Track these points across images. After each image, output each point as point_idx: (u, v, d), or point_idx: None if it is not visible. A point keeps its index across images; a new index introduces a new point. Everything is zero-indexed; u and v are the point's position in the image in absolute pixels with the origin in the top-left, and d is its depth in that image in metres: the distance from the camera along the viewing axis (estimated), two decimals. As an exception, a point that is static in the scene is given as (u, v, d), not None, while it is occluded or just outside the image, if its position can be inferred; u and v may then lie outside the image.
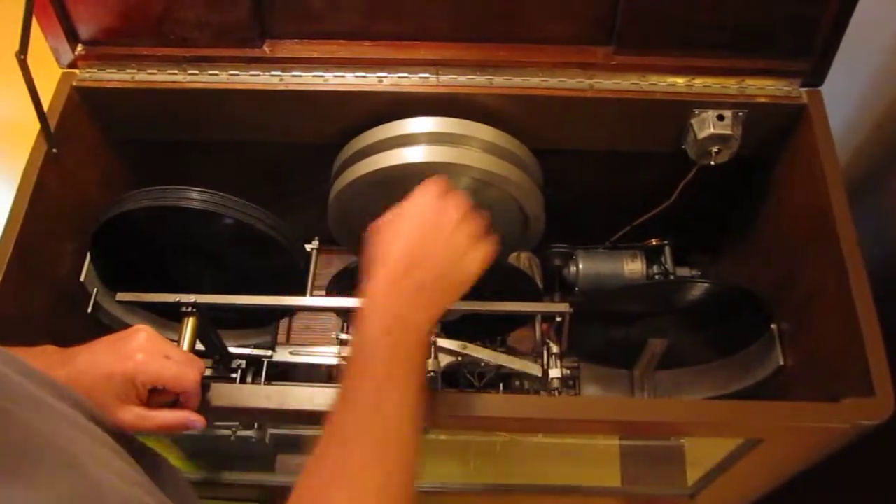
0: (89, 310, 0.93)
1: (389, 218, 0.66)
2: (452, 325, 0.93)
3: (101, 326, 0.96)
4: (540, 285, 1.00)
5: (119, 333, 0.71)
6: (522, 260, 0.99)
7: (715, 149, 0.93)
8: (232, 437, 1.01)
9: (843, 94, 1.01)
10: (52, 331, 0.89)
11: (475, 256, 0.66)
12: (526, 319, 0.99)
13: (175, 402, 0.72)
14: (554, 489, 1.11)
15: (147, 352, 0.68)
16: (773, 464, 0.89)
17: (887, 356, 0.75)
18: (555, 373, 0.91)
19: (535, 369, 0.91)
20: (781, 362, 0.94)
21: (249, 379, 1.03)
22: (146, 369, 0.67)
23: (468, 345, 0.91)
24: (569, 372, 0.94)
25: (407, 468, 0.60)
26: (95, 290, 0.94)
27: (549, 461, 1.11)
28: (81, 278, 0.93)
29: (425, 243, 0.64)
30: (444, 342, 0.90)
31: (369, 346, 0.60)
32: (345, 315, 1.01)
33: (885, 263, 0.99)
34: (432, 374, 0.89)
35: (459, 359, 0.92)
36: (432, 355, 0.89)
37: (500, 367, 0.93)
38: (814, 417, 0.75)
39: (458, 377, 0.99)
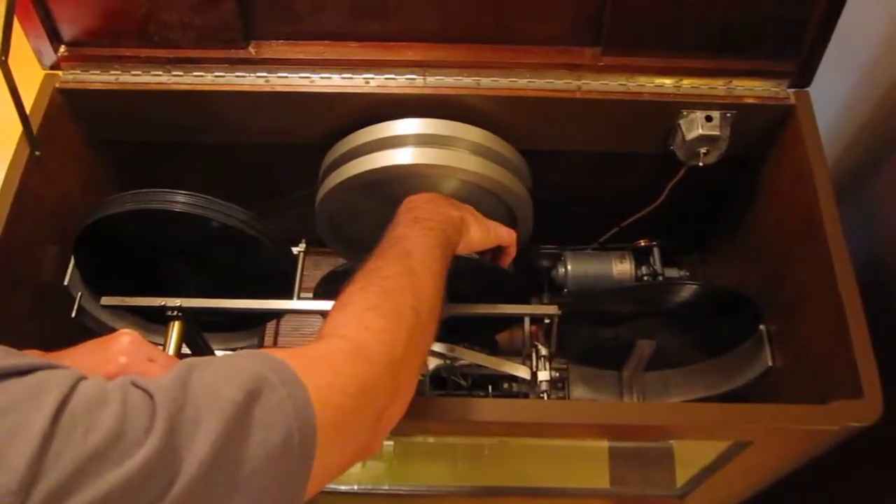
0: (73, 314, 0.92)
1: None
2: (440, 328, 0.92)
3: (85, 331, 0.95)
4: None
5: (103, 337, 0.70)
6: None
7: (703, 149, 0.93)
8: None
9: (831, 95, 1.01)
10: (35, 335, 0.88)
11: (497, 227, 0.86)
12: (514, 323, 0.99)
13: None
14: (543, 491, 1.11)
15: (130, 355, 0.67)
16: (762, 465, 0.89)
17: (876, 357, 0.75)
18: (543, 375, 0.90)
19: (523, 372, 0.91)
20: (770, 363, 0.94)
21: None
22: (129, 373, 0.67)
23: (456, 347, 0.90)
24: (557, 374, 0.94)
25: (435, 300, 0.69)
26: (80, 294, 0.93)
27: (538, 463, 1.11)
28: (65, 282, 0.92)
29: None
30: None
31: (405, 230, 0.75)
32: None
33: (874, 264, 0.99)
34: (420, 376, 0.89)
35: (448, 361, 0.91)
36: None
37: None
38: (803, 420, 0.75)
39: (446, 379, 0.99)
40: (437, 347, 0.90)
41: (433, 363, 0.91)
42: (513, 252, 0.91)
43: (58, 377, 0.41)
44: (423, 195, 0.85)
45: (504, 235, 0.88)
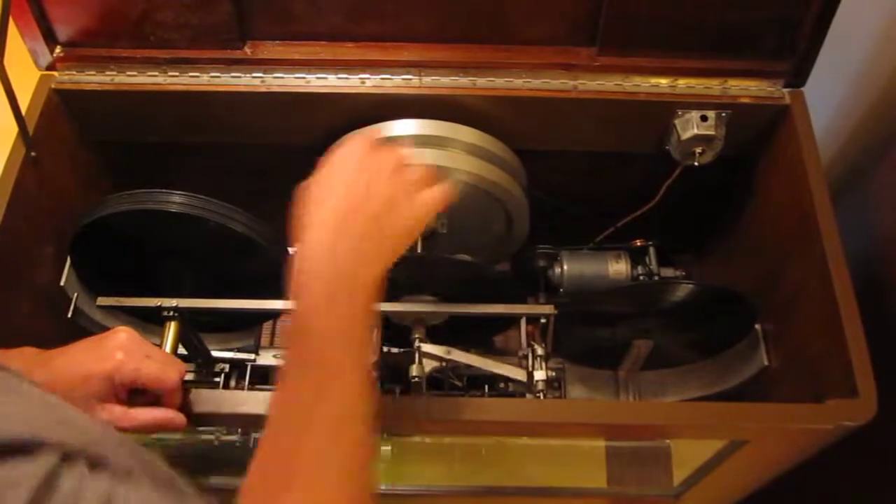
0: (70, 315, 0.92)
1: (317, 176, 0.59)
2: (436, 330, 0.93)
3: (81, 331, 0.94)
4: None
5: (99, 335, 0.70)
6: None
7: (698, 149, 0.93)
8: (216, 442, 1.00)
9: (826, 95, 1.01)
10: (31, 335, 0.88)
11: (422, 199, 0.59)
12: (511, 324, 0.99)
13: (156, 402, 0.71)
14: (539, 491, 1.11)
15: (127, 351, 0.67)
16: (757, 464, 0.89)
17: (871, 356, 0.76)
18: (540, 375, 0.90)
19: (520, 374, 0.91)
20: (766, 363, 0.94)
21: (233, 382, 1.02)
22: (125, 368, 0.66)
23: (452, 350, 0.90)
24: (554, 374, 0.94)
25: (365, 455, 0.53)
26: (76, 294, 0.93)
27: (535, 463, 1.11)
28: (62, 282, 0.92)
29: (361, 188, 0.57)
30: (428, 347, 0.90)
31: (312, 321, 0.53)
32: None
33: (869, 263, 1.00)
34: (416, 379, 0.89)
35: (444, 364, 0.91)
36: (416, 360, 0.89)
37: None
38: (798, 419, 0.75)
39: (442, 379, 0.99)
40: (434, 350, 0.90)
41: (429, 366, 0.91)
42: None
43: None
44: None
45: None
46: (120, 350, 0.67)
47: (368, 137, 0.61)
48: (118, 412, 0.67)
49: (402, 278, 0.90)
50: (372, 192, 0.57)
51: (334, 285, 0.53)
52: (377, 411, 0.54)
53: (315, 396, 0.52)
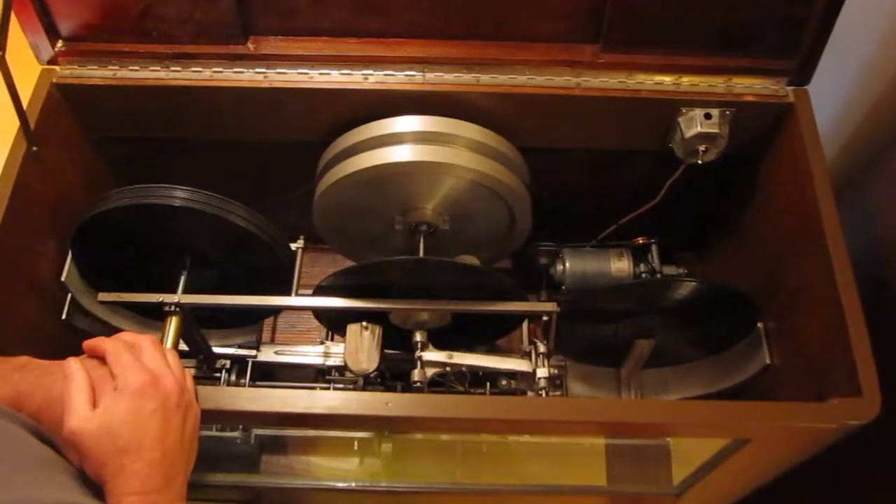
0: (63, 316, 0.92)
1: (102, 419, 0.59)
2: (440, 335, 0.92)
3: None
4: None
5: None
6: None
7: (702, 147, 0.93)
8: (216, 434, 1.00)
9: (830, 93, 1.01)
10: (32, 332, 0.88)
11: (196, 415, 0.66)
12: (516, 325, 0.99)
13: None
14: (540, 489, 1.11)
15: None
16: (759, 463, 0.89)
17: (874, 355, 0.75)
18: (542, 372, 0.90)
19: (524, 365, 0.91)
20: (768, 361, 0.94)
21: (234, 378, 1.02)
22: None
23: (454, 354, 0.90)
24: (556, 371, 0.94)
25: None
26: (70, 295, 0.93)
27: (536, 461, 1.11)
28: (63, 278, 0.92)
29: (165, 427, 0.61)
30: (430, 355, 0.90)
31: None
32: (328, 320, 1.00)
33: (872, 261, 0.99)
34: (419, 384, 0.89)
35: (448, 369, 0.91)
36: (419, 367, 0.89)
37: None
38: (801, 417, 0.75)
39: (445, 380, 0.99)
40: (436, 357, 0.90)
41: (431, 371, 0.91)
42: None
43: None
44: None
45: None
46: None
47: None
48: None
49: (406, 284, 0.90)
50: (171, 426, 0.62)
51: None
52: None
53: None
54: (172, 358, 0.66)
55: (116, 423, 0.59)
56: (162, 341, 0.87)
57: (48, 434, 0.59)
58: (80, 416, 0.59)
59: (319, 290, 0.91)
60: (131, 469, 0.58)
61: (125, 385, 0.61)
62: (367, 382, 1.00)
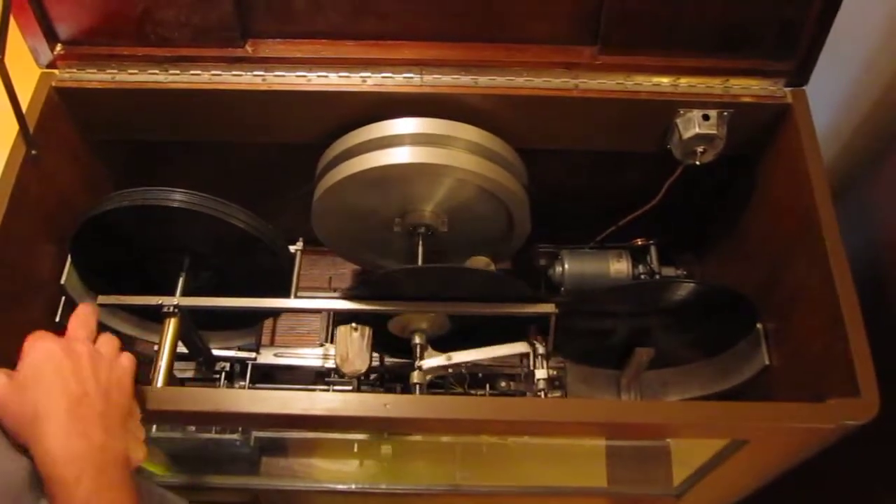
0: (57, 318, 0.92)
1: (15, 385, 0.60)
2: (440, 342, 0.93)
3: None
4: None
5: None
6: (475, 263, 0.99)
7: (700, 148, 0.93)
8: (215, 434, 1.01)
9: (828, 94, 1.01)
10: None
11: (123, 368, 0.66)
12: (517, 330, 0.99)
13: None
14: (540, 490, 1.11)
15: None
16: (759, 463, 0.89)
17: (872, 356, 0.75)
18: (541, 373, 0.90)
19: (522, 347, 0.90)
20: (767, 362, 0.94)
21: (233, 381, 1.02)
22: None
23: (453, 354, 0.90)
24: (555, 372, 0.94)
25: None
26: (63, 298, 0.93)
27: (536, 462, 1.11)
28: (62, 281, 0.92)
29: (71, 378, 0.61)
30: (429, 361, 0.90)
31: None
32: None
33: (869, 262, 0.99)
34: (418, 385, 0.89)
35: (450, 370, 0.91)
36: (417, 371, 0.89)
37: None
38: (799, 418, 0.75)
39: (444, 382, 0.99)
40: (435, 360, 0.90)
41: (431, 374, 0.91)
42: None
43: None
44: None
45: None
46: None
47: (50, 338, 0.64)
48: None
49: (416, 291, 0.90)
50: (86, 377, 0.61)
51: (83, 464, 0.57)
52: None
53: None
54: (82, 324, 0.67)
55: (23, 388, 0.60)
56: (160, 343, 0.87)
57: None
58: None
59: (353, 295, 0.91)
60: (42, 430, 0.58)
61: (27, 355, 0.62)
62: (367, 384, 1.01)
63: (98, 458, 0.58)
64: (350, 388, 0.99)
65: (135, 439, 0.64)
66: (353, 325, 0.89)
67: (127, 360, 0.67)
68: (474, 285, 0.91)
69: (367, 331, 0.89)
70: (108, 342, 0.67)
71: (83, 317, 0.69)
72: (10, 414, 0.59)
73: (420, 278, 0.91)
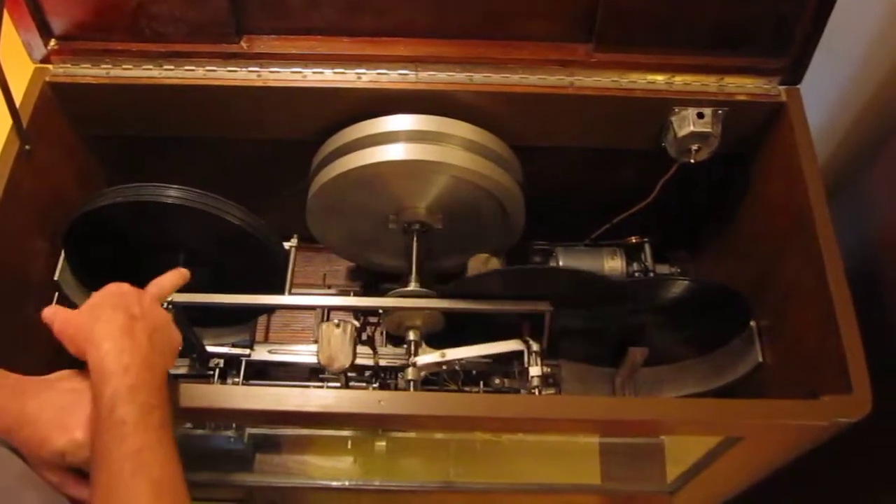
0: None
1: (78, 312, 0.68)
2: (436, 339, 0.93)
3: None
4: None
5: (77, 393, 0.66)
6: (493, 264, 0.99)
7: (695, 146, 0.93)
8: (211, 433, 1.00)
9: (822, 92, 1.01)
10: (25, 330, 0.88)
11: (166, 316, 0.72)
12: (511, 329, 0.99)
13: None
14: (534, 487, 1.11)
15: (87, 432, 0.64)
16: (752, 460, 0.89)
17: (865, 352, 0.76)
18: (535, 371, 0.90)
19: (518, 345, 0.91)
20: (761, 359, 0.94)
21: (227, 377, 1.02)
22: (79, 454, 0.64)
23: (447, 351, 0.90)
24: (549, 370, 0.94)
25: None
26: (56, 294, 0.92)
27: (530, 459, 1.11)
28: (55, 276, 0.92)
29: (126, 311, 0.67)
30: (422, 357, 0.90)
31: (118, 409, 0.60)
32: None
33: (863, 260, 1.00)
34: (411, 382, 0.89)
35: (444, 367, 0.91)
36: (411, 365, 0.89)
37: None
38: (793, 415, 0.75)
39: (438, 379, 0.99)
40: (429, 358, 0.90)
41: (425, 371, 0.91)
42: None
43: None
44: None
45: None
46: (80, 428, 0.64)
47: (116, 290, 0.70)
48: (58, 480, 0.66)
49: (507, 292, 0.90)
50: (133, 312, 0.68)
51: (134, 376, 0.62)
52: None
53: (132, 468, 0.59)
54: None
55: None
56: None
57: (18, 450, 0.63)
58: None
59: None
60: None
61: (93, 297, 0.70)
62: (363, 381, 1.01)
63: (146, 359, 0.64)
64: (339, 384, 0.99)
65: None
66: (336, 321, 0.89)
67: (168, 313, 0.73)
68: (566, 285, 0.92)
69: (350, 326, 0.89)
70: (157, 304, 0.73)
71: (162, 279, 0.77)
72: (71, 329, 0.66)
73: (519, 279, 0.92)
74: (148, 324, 0.68)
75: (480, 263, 0.98)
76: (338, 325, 0.89)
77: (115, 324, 0.65)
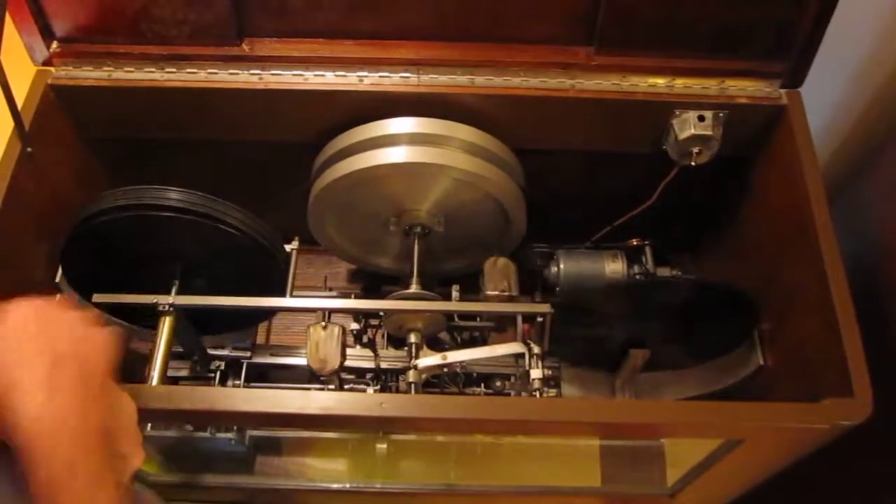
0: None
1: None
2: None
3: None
4: (514, 289, 0.99)
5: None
6: (500, 265, 0.99)
7: (695, 149, 0.93)
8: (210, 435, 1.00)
9: (823, 95, 1.01)
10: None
11: (103, 336, 0.60)
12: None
13: None
14: (534, 490, 1.11)
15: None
16: (753, 463, 0.89)
17: (866, 356, 0.76)
18: (536, 373, 0.90)
19: (518, 348, 0.91)
20: (762, 362, 0.94)
21: (228, 380, 1.02)
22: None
23: (448, 354, 0.90)
24: (550, 372, 0.94)
25: None
26: (58, 297, 0.92)
27: (530, 462, 1.11)
28: (56, 279, 0.92)
29: (50, 342, 0.55)
30: (424, 360, 0.90)
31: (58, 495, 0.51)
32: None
33: (865, 264, 1.00)
34: (413, 384, 0.89)
35: (445, 370, 0.91)
36: (413, 370, 0.89)
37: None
38: (794, 418, 0.75)
39: (439, 381, 0.99)
40: (430, 360, 0.90)
41: (426, 373, 0.91)
42: None
43: None
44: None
45: None
46: None
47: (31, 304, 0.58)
48: None
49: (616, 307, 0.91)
50: (59, 339, 0.56)
51: (62, 426, 0.52)
52: None
53: None
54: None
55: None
56: (155, 344, 0.87)
57: None
58: None
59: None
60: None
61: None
62: (364, 383, 1.01)
63: (79, 423, 0.53)
64: (332, 386, 0.99)
65: (130, 442, 0.60)
66: (322, 323, 0.89)
67: (109, 331, 0.61)
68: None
69: (337, 329, 0.89)
70: (87, 314, 0.61)
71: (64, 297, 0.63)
72: None
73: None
74: (78, 358, 0.56)
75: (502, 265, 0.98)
76: (324, 328, 0.89)
77: (34, 377, 0.52)
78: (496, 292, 0.93)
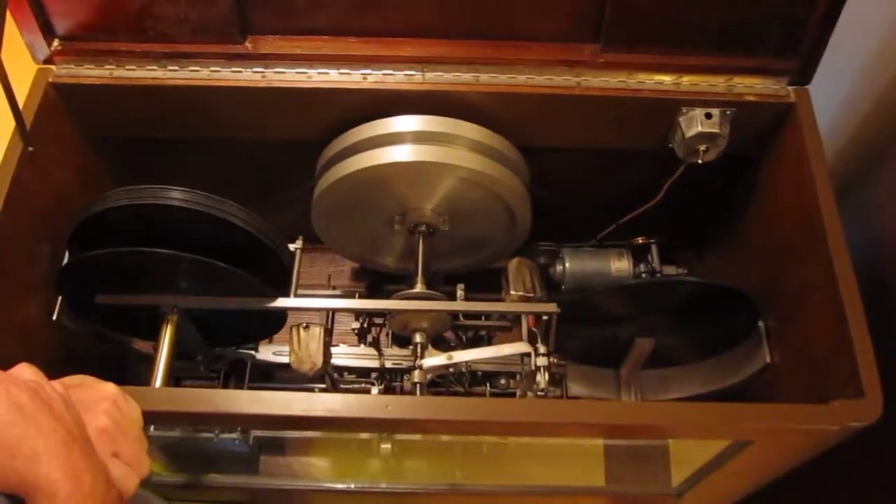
0: (54, 317, 0.91)
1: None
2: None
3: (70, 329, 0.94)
4: (539, 289, 0.99)
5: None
6: (513, 265, 0.98)
7: (702, 147, 0.92)
8: (215, 440, 1.00)
9: (831, 93, 1.01)
10: (26, 333, 0.87)
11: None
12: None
13: None
14: (539, 490, 1.11)
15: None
16: (761, 464, 0.89)
17: (876, 356, 0.75)
18: (541, 374, 0.90)
19: (524, 347, 0.90)
20: (768, 360, 0.94)
21: (231, 380, 1.02)
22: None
23: (454, 354, 0.90)
24: (555, 371, 0.94)
25: None
26: (60, 299, 0.92)
27: (535, 461, 1.11)
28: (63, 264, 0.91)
29: (57, 419, 0.55)
30: (429, 360, 0.89)
31: None
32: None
33: (873, 262, 0.99)
34: (418, 384, 0.89)
35: (451, 370, 0.91)
36: (418, 371, 0.89)
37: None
38: (803, 419, 0.74)
39: (444, 381, 0.99)
40: (436, 360, 0.90)
41: (431, 374, 0.91)
42: None
43: None
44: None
45: None
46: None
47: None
48: None
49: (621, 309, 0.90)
50: (61, 415, 0.56)
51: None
52: None
53: None
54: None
55: None
56: (158, 345, 0.86)
57: None
58: None
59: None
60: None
61: None
62: (369, 382, 1.00)
63: (103, 492, 0.55)
64: (326, 386, 0.99)
65: (136, 451, 0.61)
66: (304, 324, 0.89)
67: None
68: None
69: (319, 329, 0.89)
70: (54, 383, 0.60)
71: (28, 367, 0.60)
72: None
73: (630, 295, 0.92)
74: (79, 429, 0.57)
75: (514, 268, 0.98)
76: (306, 328, 0.89)
77: (57, 451, 0.53)
78: (520, 293, 0.93)
